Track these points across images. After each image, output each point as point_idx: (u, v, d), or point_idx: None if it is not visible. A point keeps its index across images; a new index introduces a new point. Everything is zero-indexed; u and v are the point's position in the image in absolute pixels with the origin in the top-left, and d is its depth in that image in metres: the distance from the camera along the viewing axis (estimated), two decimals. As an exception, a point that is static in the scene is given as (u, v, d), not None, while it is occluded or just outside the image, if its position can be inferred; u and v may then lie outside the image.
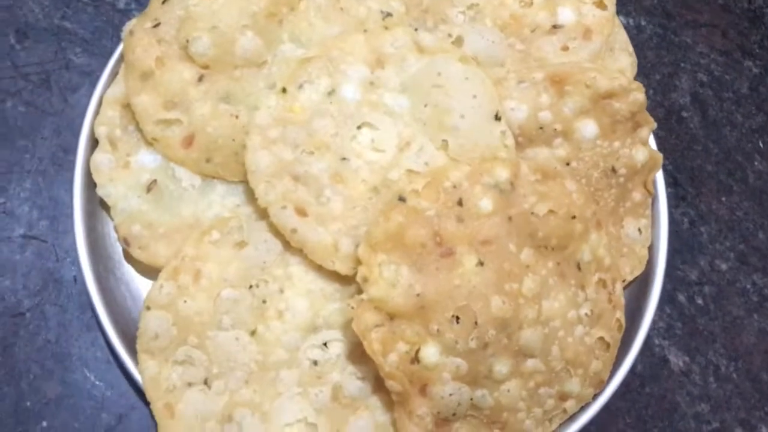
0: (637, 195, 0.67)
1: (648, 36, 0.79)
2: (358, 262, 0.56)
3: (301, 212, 0.58)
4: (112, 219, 0.61)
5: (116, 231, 0.61)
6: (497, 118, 0.60)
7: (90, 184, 0.62)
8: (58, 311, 0.64)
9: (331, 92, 0.61)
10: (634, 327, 0.65)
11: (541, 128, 0.62)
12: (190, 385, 0.57)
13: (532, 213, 0.58)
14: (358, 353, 0.58)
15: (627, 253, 0.67)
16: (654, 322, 0.71)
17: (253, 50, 0.63)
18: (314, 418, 0.58)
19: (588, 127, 0.63)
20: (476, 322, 0.56)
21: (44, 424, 0.61)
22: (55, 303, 0.65)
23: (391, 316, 0.56)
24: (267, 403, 0.57)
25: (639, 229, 0.67)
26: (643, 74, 0.78)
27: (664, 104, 0.77)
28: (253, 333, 0.58)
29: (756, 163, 0.76)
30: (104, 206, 0.62)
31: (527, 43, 0.67)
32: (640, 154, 0.65)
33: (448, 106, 0.59)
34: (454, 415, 0.57)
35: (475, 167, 0.57)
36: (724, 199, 0.75)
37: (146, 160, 0.62)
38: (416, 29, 0.63)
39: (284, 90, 0.61)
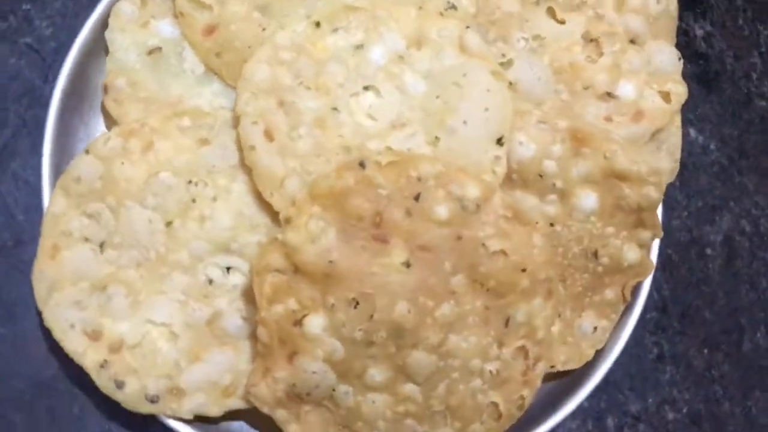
0: (610, 293, 0.63)
1: (711, 161, 0.76)
2: (293, 203, 0.55)
3: (269, 135, 0.58)
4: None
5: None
6: (500, 142, 0.58)
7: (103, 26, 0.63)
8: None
9: (359, 47, 0.61)
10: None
11: (540, 176, 0.60)
12: (86, 240, 0.57)
13: (484, 245, 0.55)
14: (252, 294, 0.57)
15: (570, 343, 0.63)
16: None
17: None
18: (180, 330, 0.57)
19: (588, 199, 0.60)
20: (372, 316, 0.54)
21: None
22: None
23: (296, 270, 0.54)
24: (144, 293, 0.57)
25: (595, 328, 0.63)
26: (686, 193, 0.74)
27: (693, 232, 0.73)
28: (168, 224, 0.58)
29: (758, 335, 0.71)
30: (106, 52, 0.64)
31: (573, 97, 0.64)
32: (631, 254, 0.62)
33: (456, 107, 0.58)
34: (308, 395, 0.55)
35: (449, 172, 0.55)
36: (706, 351, 0.70)
37: (165, 28, 0.64)
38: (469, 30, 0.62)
39: (318, 24, 0.61)
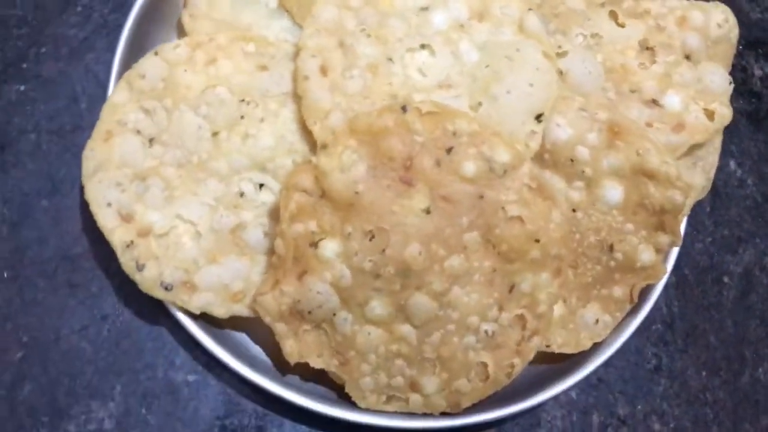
0: (618, 291, 0.65)
1: (745, 194, 0.77)
2: (332, 133, 0.58)
3: (324, 70, 0.62)
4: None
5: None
6: (538, 119, 0.61)
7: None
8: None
9: (424, 8, 0.65)
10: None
11: (571, 161, 0.62)
12: (137, 132, 0.62)
13: (503, 208, 0.58)
14: (278, 213, 0.60)
15: (570, 329, 0.65)
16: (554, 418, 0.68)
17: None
18: (204, 231, 0.61)
19: (613, 192, 0.62)
20: (384, 251, 0.57)
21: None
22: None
23: (322, 194, 0.58)
24: (180, 191, 0.61)
25: (597, 320, 0.65)
26: (714, 220, 0.76)
27: (714, 258, 0.74)
28: (215, 134, 0.62)
29: (759, 371, 0.71)
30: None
31: (619, 97, 0.67)
32: (645, 255, 0.63)
33: (503, 77, 0.61)
34: (310, 313, 0.58)
35: (483, 133, 0.58)
36: (704, 374, 0.71)
37: (251, -41, 0.68)
38: (530, 12, 0.65)
39: (390, -19, 0.65)
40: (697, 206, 0.75)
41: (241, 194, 0.62)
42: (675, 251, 0.68)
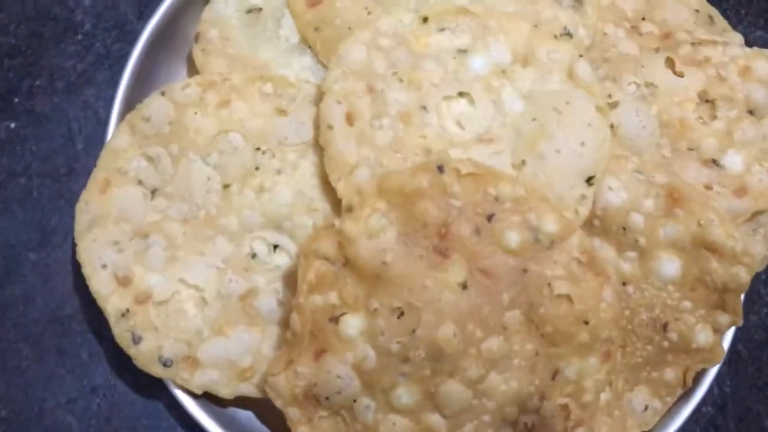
0: (670, 374, 0.59)
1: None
2: (359, 193, 0.52)
3: (350, 119, 0.56)
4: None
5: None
6: (589, 182, 0.55)
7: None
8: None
9: (462, 51, 0.59)
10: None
11: (623, 229, 0.56)
12: (139, 182, 0.56)
13: (549, 285, 0.52)
14: (294, 279, 0.54)
15: (616, 417, 0.58)
16: None
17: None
18: (210, 298, 0.55)
19: (670, 265, 0.56)
20: (414, 331, 0.51)
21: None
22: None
23: (345, 263, 0.52)
24: (184, 251, 0.55)
25: (646, 407, 0.59)
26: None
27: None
28: (226, 186, 0.56)
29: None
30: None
31: (675, 155, 0.61)
32: (703, 336, 0.57)
33: (551, 133, 0.55)
34: (327, 399, 0.52)
35: (529, 198, 0.52)
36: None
37: (270, -8, 0.62)
38: (582, 59, 0.59)
39: (425, 20, 0.60)
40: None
41: (253, 255, 0.56)
42: (731, 328, 0.62)
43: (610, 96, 0.62)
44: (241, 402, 0.56)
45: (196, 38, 0.61)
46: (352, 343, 0.51)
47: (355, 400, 0.52)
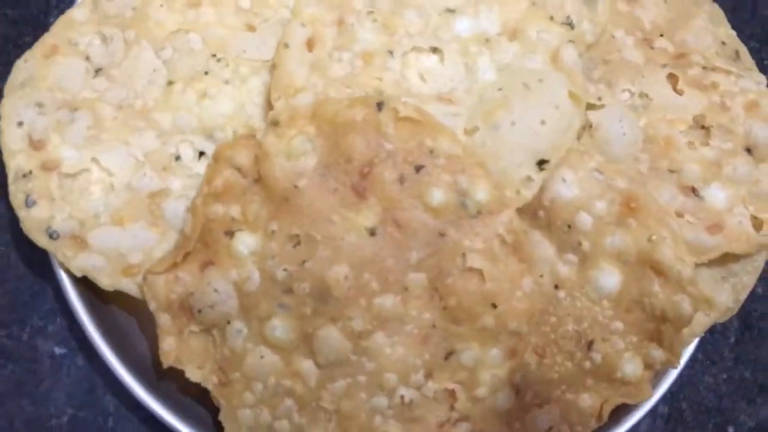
0: (587, 400, 0.53)
1: None
2: (290, 112, 0.50)
3: (310, 44, 0.54)
4: None
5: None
6: (540, 165, 0.52)
7: None
8: None
9: (450, 11, 0.56)
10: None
11: (568, 227, 0.52)
12: (86, 58, 0.55)
13: (463, 255, 0.48)
14: (210, 189, 0.52)
15: (515, 429, 0.53)
16: None
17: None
18: (119, 186, 0.53)
19: (610, 278, 0.52)
20: (305, 262, 0.48)
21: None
22: None
23: (257, 178, 0.49)
24: (109, 134, 0.54)
25: (550, 428, 0.53)
26: (737, 355, 0.64)
27: (724, 399, 0.63)
28: (170, 83, 0.55)
29: None
30: None
31: (652, 174, 0.57)
32: (629, 367, 0.53)
33: (511, 105, 0.52)
34: (200, 312, 0.49)
35: (466, 160, 0.49)
36: None
37: None
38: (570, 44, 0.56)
39: (423, -25, 0.57)
40: (720, 333, 0.64)
41: (177, 157, 0.54)
42: (672, 374, 0.57)
43: (599, 99, 0.59)
44: (124, 303, 0.53)
45: None
46: (240, 261, 0.49)
47: (228, 321, 0.49)
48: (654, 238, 0.51)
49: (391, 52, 0.55)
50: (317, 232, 0.48)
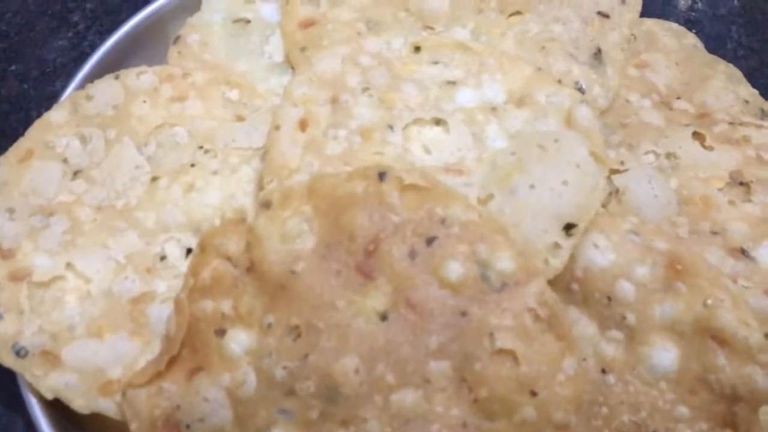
0: None
1: None
2: (283, 192, 0.46)
3: (303, 125, 0.51)
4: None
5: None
6: (568, 231, 0.46)
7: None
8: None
9: (451, 83, 0.53)
10: None
11: (609, 299, 0.46)
12: (63, 161, 0.52)
13: (491, 335, 0.42)
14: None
15: None
16: None
17: (439, 10, 0.59)
18: (97, 293, 0.49)
19: (665, 355, 0.45)
20: (308, 356, 0.41)
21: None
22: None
23: (250, 267, 0.44)
24: (87, 238, 0.50)
25: None
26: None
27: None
28: (154, 179, 0.52)
29: None
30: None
31: (694, 238, 0.51)
32: (706, 465, 0.44)
33: (527, 167, 0.48)
34: (188, 427, 0.42)
35: (483, 227, 0.44)
36: None
37: (265, 8, 0.62)
38: (584, 104, 0.52)
39: (417, 49, 0.55)
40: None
41: (162, 257, 0.49)
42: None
43: (622, 163, 0.55)
44: (103, 426, 0.46)
45: (175, 41, 0.59)
46: (234, 363, 0.43)
47: (222, 438, 0.42)
48: (710, 302, 0.45)
49: (390, 126, 0.51)
50: (320, 320, 0.42)
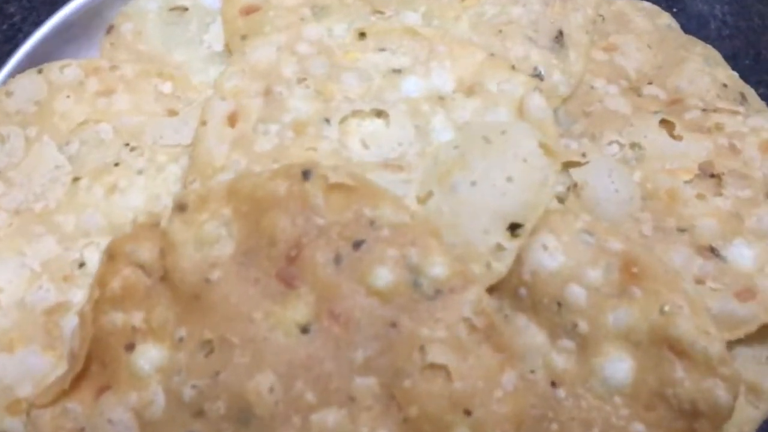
0: None
1: None
2: (201, 195, 0.42)
3: (232, 119, 0.48)
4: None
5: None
6: (513, 231, 0.42)
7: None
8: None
9: (397, 72, 0.50)
10: None
11: (558, 305, 0.42)
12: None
13: (422, 348, 0.38)
14: (117, 298, 0.43)
15: None
16: None
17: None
18: (8, 304, 0.45)
19: (619, 366, 0.42)
20: (218, 374, 0.38)
21: None
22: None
23: (164, 276, 0.40)
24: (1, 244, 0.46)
25: None
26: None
27: None
28: (75, 180, 0.49)
29: None
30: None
31: (659, 235, 0.48)
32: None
33: (469, 162, 0.44)
34: (92, 454, 0.39)
35: (417, 230, 0.40)
36: None
37: (207, -1, 0.57)
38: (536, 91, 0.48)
39: (362, 35, 0.52)
40: None
41: (81, 264, 0.46)
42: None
43: (583, 155, 0.51)
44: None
45: (108, 30, 0.56)
46: (142, 381, 0.39)
47: (128, 465, 0.39)
48: (667, 308, 0.41)
49: (327, 120, 0.48)
50: (234, 334, 0.39)
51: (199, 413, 0.38)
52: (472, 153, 0.45)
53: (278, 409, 0.38)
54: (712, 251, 0.47)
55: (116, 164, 0.49)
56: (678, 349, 0.40)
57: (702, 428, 0.40)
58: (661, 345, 0.41)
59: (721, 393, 0.40)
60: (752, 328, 0.45)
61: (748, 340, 0.46)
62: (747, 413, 0.45)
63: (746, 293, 0.46)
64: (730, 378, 0.39)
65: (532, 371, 0.43)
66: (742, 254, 0.47)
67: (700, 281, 0.46)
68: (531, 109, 0.47)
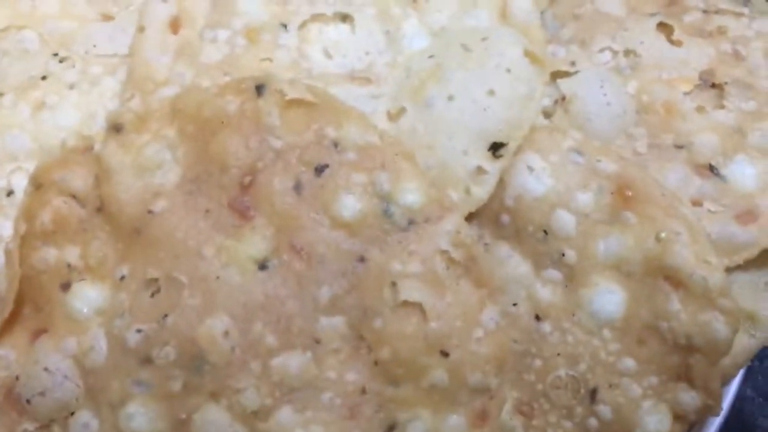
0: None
1: None
2: (140, 114, 0.38)
3: (175, 24, 0.44)
4: None
5: None
6: (495, 151, 0.39)
7: None
8: None
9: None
10: None
11: (545, 233, 0.40)
12: None
13: (394, 285, 0.35)
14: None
15: None
16: None
17: None
18: None
19: (609, 298, 0.40)
20: (166, 317, 0.34)
21: None
22: None
23: (100, 207, 0.36)
24: None
25: None
26: None
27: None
28: None
29: None
30: None
31: (654, 152, 0.45)
32: (652, 421, 0.39)
33: (446, 74, 0.40)
34: (29, 402, 0.36)
35: (387, 152, 0.36)
36: None
37: None
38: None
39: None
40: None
41: (9, 193, 0.42)
42: (714, 423, 0.43)
43: (573, 64, 0.47)
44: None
45: None
46: (81, 324, 0.36)
47: (72, 413, 0.36)
48: (663, 235, 0.39)
49: (284, 25, 0.43)
50: (182, 272, 0.35)
51: (146, 360, 0.35)
52: (450, 63, 0.41)
53: (234, 354, 0.35)
54: (711, 170, 0.44)
55: (43, 77, 0.44)
56: (674, 280, 0.38)
57: (697, 364, 0.38)
58: (656, 275, 0.39)
59: (720, 327, 0.38)
60: (753, 253, 0.43)
61: (746, 265, 0.45)
62: (743, 342, 0.43)
63: (747, 216, 0.43)
64: (730, 311, 0.37)
65: (515, 304, 0.40)
66: (743, 172, 0.44)
67: (697, 203, 0.44)
68: (515, 12, 0.44)
